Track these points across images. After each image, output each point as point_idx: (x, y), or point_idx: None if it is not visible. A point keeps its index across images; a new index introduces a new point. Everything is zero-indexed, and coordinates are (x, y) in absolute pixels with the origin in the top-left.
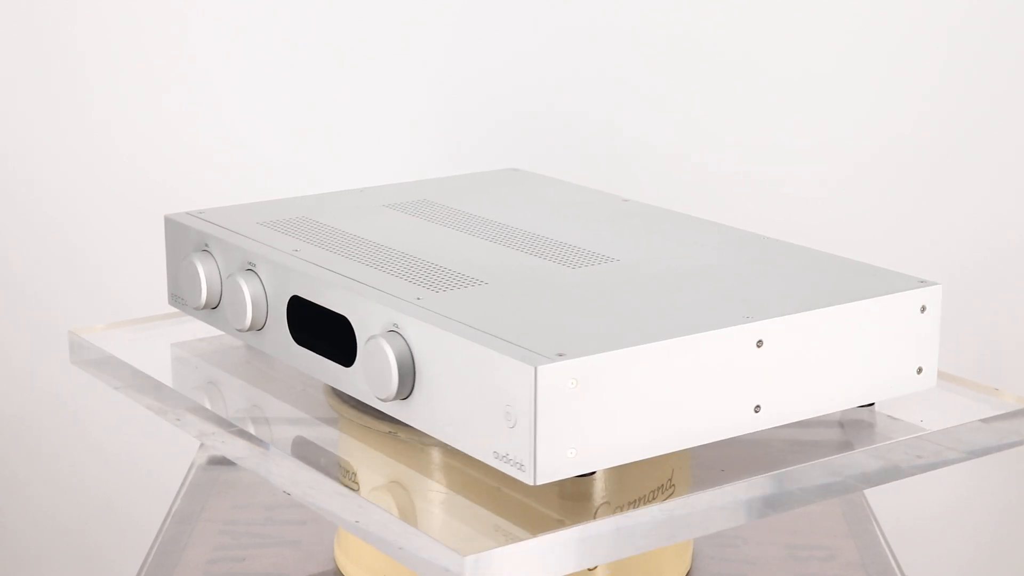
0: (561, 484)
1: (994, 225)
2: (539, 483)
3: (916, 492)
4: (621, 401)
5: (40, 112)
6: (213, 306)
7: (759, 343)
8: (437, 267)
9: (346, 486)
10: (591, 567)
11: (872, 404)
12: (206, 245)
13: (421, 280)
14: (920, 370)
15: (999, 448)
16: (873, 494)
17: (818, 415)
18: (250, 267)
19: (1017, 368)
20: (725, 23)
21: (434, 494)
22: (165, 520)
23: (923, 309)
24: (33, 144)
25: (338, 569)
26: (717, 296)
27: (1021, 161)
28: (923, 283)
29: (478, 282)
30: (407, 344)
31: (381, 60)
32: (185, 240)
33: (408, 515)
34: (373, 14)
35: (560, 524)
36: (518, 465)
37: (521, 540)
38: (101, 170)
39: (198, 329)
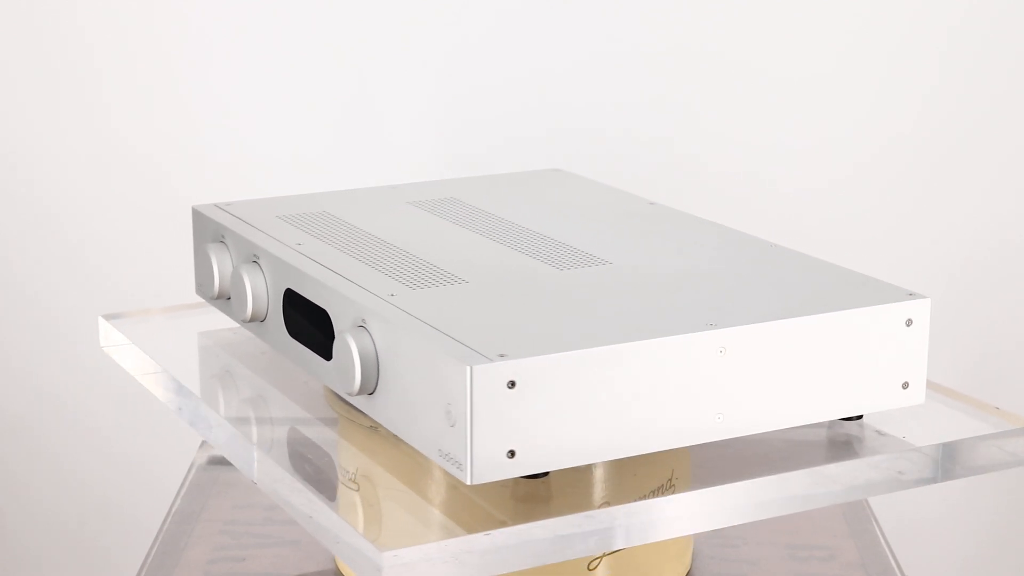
0: (536, 484)
1: (994, 225)
2: (475, 483)
3: (915, 492)
4: (565, 404)
5: (39, 110)
6: (227, 297)
7: (721, 351)
8: (427, 264)
9: (309, 482)
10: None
11: (860, 417)
12: (222, 236)
13: (404, 277)
14: (906, 385)
15: (978, 472)
16: None
17: (789, 426)
18: (254, 259)
19: (1018, 368)
20: (725, 23)
21: (394, 491)
22: (165, 520)
23: (909, 323)
24: (33, 144)
25: (338, 569)
26: (690, 302)
27: (1021, 161)
28: (911, 296)
29: (459, 281)
30: (372, 340)
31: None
32: (206, 231)
33: (351, 510)
34: (386, 14)
35: (501, 525)
36: (457, 464)
37: (437, 540)
38: (101, 169)
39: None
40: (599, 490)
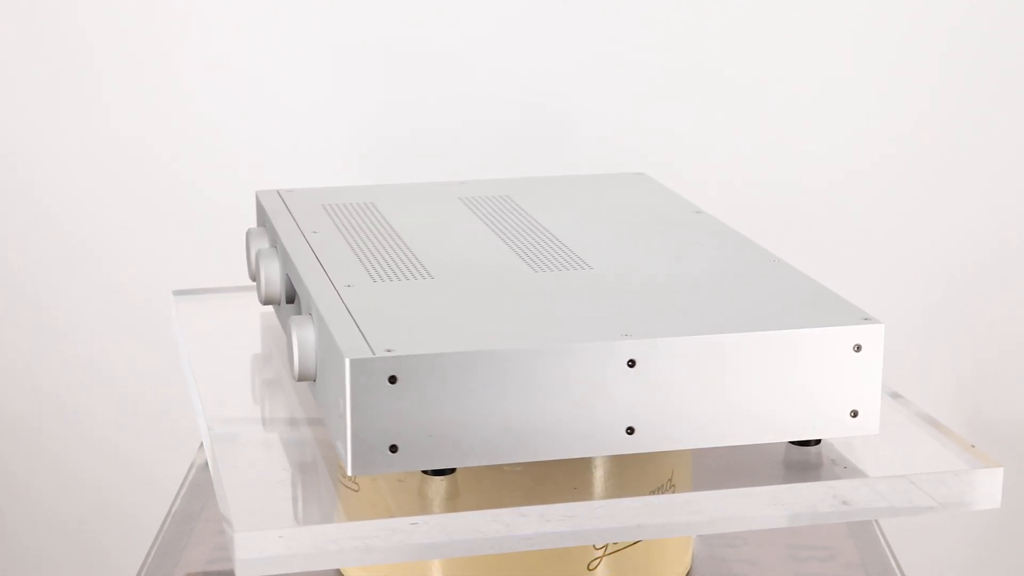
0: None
1: (994, 226)
2: (355, 474)
3: None
4: (449, 403)
5: (38, 110)
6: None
7: (631, 363)
8: (411, 258)
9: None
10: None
11: (818, 442)
12: (264, 222)
13: (377, 269)
14: (855, 414)
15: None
16: None
17: (714, 446)
18: (273, 245)
19: (1018, 368)
20: (724, 23)
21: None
22: (165, 520)
23: (858, 348)
24: (33, 143)
25: (338, 569)
26: (623, 310)
27: (1020, 162)
28: (866, 320)
29: (426, 276)
30: (314, 329)
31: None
32: (259, 216)
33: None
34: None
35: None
36: (343, 455)
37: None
38: (100, 169)
39: None
40: (600, 489)
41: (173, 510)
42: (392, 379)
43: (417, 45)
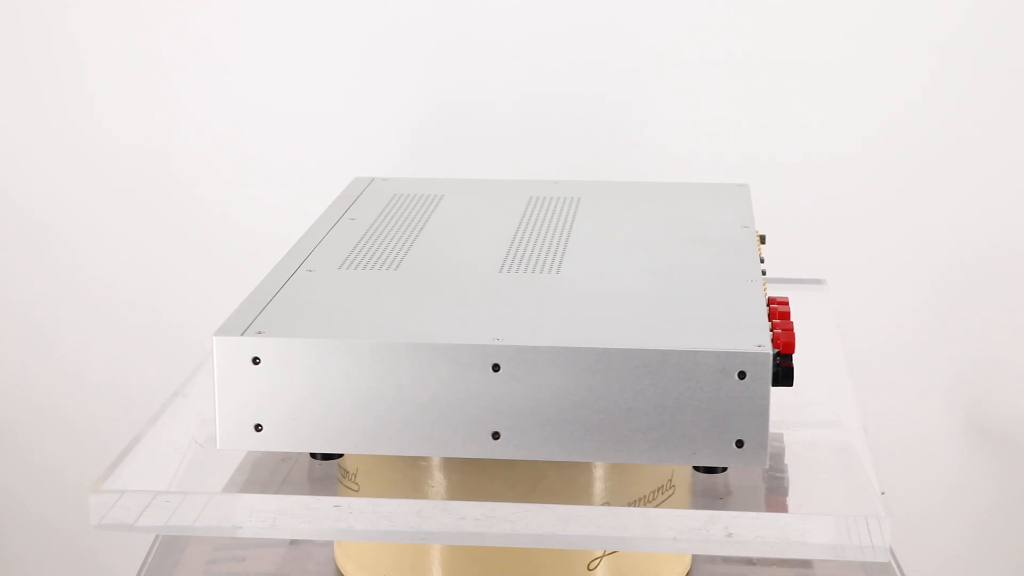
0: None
1: (992, 226)
2: (221, 448)
3: (915, 491)
4: (311, 389)
5: (26, 114)
6: None
7: (495, 367)
8: (399, 250)
9: None
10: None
11: (724, 469)
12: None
13: (359, 258)
14: (740, 443)
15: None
16: None
17: (588, 461)
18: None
19: (1016, 362)
20: (721, 16)
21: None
22: None
23: (742, 375)
24: (28, 147)
25: (338, 569)
26: (523, 316)
27: (1019, 162)
28: (759, 347)
29: (392, 268)
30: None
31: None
32: None
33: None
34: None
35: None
36: (215, 428)
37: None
38: (96, 170)
39: None
40: (599, 489)
41: None
42: (255, 360)
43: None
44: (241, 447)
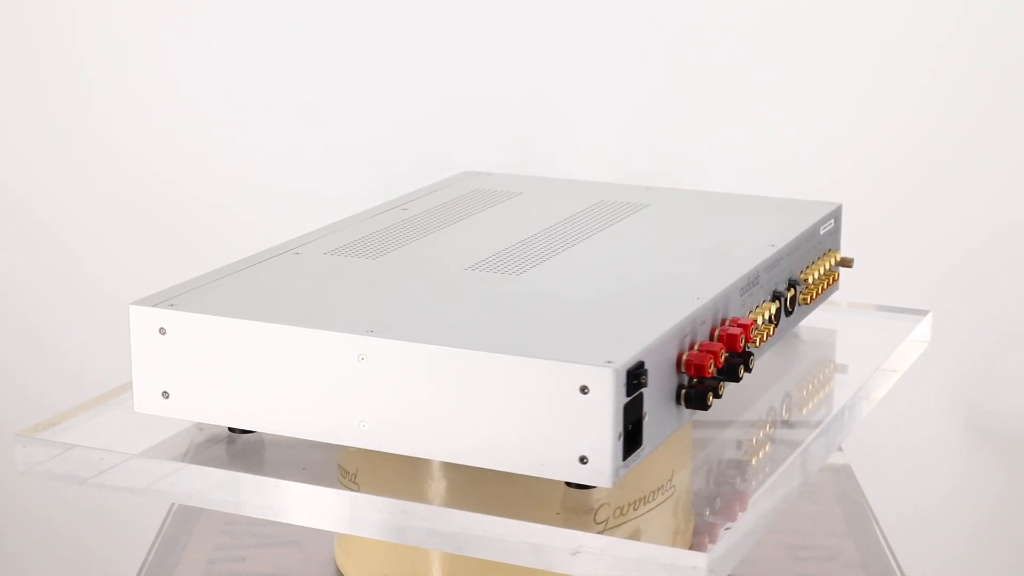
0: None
1: (990, 225)
2: (138, 411)
3: (915, 492)
4: (211, 363)
5: (30, 117)
6: None
7: (361, 357)
8: (404, 242)
9: None
10: None
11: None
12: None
13: (356, 246)
14: (584, 460)
15: None
16: (868, 489)
17: (447, 460)
18: None
19: (1017, 360)
20: (722, 20)
21: None
22: (165, 520)
23: (584, 390)
24: (29, 147)
25: (338, 569)
26: (426, 313)
27: (1018, 162)
28: (609, 364)
29: (375, 257)
30: None
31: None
32: None
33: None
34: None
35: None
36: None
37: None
38: (96, 172)
39: None
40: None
41: (173, 510)
42: (162, 330)
43: None
44: (153, 412)
